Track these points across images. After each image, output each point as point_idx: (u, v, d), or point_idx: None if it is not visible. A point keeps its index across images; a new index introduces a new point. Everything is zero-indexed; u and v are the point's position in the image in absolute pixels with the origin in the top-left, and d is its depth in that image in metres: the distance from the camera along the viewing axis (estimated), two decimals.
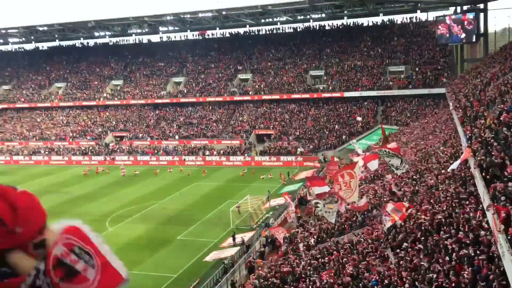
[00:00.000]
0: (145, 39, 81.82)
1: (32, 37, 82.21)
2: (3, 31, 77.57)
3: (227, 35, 78.09)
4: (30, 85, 77.16)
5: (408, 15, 69.40)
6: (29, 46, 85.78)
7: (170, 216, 36.00)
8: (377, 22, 70.64)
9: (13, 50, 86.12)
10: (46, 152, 63.24)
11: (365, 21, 71.27)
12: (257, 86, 66.34)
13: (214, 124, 63.65)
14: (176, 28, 76.72)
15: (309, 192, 33.99)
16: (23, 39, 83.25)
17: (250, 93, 65.61)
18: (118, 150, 61.69)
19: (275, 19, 73.43)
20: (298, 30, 74.28)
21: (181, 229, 32.77)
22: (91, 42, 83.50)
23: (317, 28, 74.01)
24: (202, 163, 56.01)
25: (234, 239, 29.21)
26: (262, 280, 20.50)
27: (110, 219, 35.42)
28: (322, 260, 20.23)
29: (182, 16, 70.33)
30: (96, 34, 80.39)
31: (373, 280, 15.75)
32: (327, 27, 73.71)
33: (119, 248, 29.17)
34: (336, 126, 57.37)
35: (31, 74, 79.67)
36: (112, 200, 40.91)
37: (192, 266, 26.80)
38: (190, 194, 42.44)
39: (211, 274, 24.48)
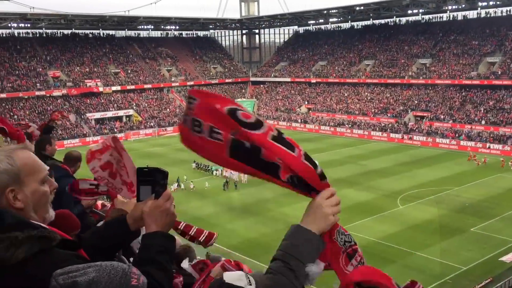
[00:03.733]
0: (460, 15, 76.78)
1: (349, 17, 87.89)
2: (325, 12, 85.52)
3: None
4: (342, 62, 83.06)
5: None
6: (345, 25, 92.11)
7: (465, 205, 33.75)
8: None
9: (331, 29, 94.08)
10: (349, 125, 67.54)
11: None
12: None
13: None
14: (498, 2, 69.03)
15: None
16: (341, 18, 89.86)
17: None
18: (416, 130, 60.81)
19: None
20: None
21: (477, 221, 30.35)
22: (403, 20, 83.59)
23: None
24: (498, 152, 50.02)
25: None
26: None
27: (401, 197, 35.52)
28: None
29: None
30: (409, 12, 79.83)
31: None
32: None
33: (408, 227, 29.14)
34: None
35: (344, 52, 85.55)
36: (405, 178, 40.81)
37: (484, 262, 24.64)
38: (491, 186, 38.59)
39: (507, 276, 22.05)
